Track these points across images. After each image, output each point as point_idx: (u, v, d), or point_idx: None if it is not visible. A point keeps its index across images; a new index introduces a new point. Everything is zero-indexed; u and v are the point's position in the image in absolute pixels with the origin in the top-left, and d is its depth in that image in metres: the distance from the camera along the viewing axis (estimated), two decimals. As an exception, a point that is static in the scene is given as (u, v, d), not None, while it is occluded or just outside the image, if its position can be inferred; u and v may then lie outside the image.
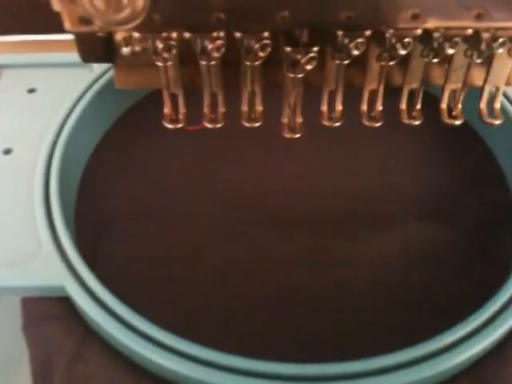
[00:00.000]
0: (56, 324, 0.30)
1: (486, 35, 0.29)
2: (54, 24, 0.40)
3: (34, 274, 0.30)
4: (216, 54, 0.30)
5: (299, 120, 0.34)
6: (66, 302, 0.30)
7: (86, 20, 0.26)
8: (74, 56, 0.38)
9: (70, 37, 0.33)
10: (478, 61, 0.32)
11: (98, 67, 0.40)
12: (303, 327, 0.33)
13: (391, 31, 0.28)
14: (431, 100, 0.36)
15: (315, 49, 0.29)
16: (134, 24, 0.25)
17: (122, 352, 0.29)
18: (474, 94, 0.34)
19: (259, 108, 0.35)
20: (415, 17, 0.27)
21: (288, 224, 0.37)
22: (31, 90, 0.40)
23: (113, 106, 0.41)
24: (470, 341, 0.28)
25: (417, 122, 0.35)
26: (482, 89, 0.34)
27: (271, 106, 0.34)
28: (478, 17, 0.27)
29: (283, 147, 0.40)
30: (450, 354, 0.28)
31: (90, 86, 0.39)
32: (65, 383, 0.29)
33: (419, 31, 0.28)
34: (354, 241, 0.36)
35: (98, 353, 0.29)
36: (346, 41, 0.29)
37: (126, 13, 0.24)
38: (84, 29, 0.27)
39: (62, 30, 0.41)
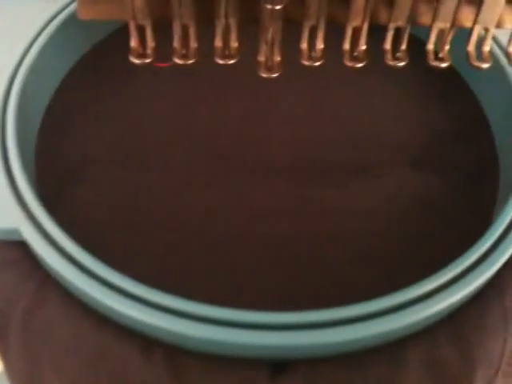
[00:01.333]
0: (11, 270, 0.28)
1: (480, -35, 0.26)
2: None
3: (-14, 216, 0.28)
4: (186, -21, 0.27)
5: (278, 58, 0.32)
6: (22, 247, 0.28)
7: None
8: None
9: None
10: (470, -5, 0.30)
11: (62, -3, 0.37)
12: (286, 277, 0.32)
13: (378, -43, 0.26)
14: (418, 45, 0.34)
15: (294, -25, 0.26)
16: None
17: (83, 299, 0.28)
18: (462, 39, 0.32)
19: (234, 44, 0.32)
20: None
21: (272, 172, 0.36)
22: (-12, 22, 0.37)
23: (79, 40, 0.39)
24: (447, 290, 0.27)
25: (401, 64, 0.33)
26: (471, 30, 0.32)
27: (255, 47, 0.32)
28: None
29: (266, 92, 0.38)
30: (426, 303, 0.27)
31: (53, 18, 0.36)
32: (23, 332, 0.28)
33: (408, -42, 0.26)
34: (339, 189, 0.35)
35: (58, 300, 0.28)
36: (329, -32, 0.27)
37: None
38: None
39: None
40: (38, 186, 0.33)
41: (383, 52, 0.33)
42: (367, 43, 0.32)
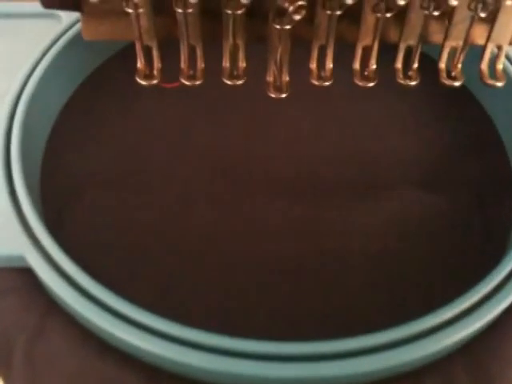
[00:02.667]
0: (15, 297, 0.27)
1: (494, -16, 0.26)
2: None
3: (-9, 243, 0.27)
4: (193, 0, 0.27)
5: (286, 78, 0.32)
6: (26, 274, 0.28)
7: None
8: (38, 6, 0.35)
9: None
10: (482, 15, 0.29)
11: (67, 18, 0.37)
12: (290, 300, 0.31)
13: (390, -24, 0.25)
14: (428, 62, 0.33)
15: (304, -5, 0.26)
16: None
17: (87, 328, 0.27)
18: (471, 56, 0.32)
19: (242, 64, 0.32)
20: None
21: (275, 192, 0.35)
22: (-7, 42, 0.37)
23: (83, 61, 0.38)
24: (465, 319, 0.26)
25: (413, 83, 0.32)
26: (484, 47, 0.32)
27: (258, 63, 0.31)
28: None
29: (270, 109, 0.37)
30: (444, 333, 0.26)
31: (58, 39, 0.36)
32: (26, 361, 0.27)
33: (421, -23, 0.25)
34: (344, 209, 0.34)
35: (62, 329, 0.27)
36: (339, -13, 0.26)
37: None
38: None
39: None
40: (43, 207, 0.33)
41: (394, 71, 0.32)
42: (377, 62, 0.32)
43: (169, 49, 0.32)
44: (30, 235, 0.28)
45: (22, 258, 0.27)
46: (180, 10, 0.28)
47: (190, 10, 0.28)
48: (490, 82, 0.32)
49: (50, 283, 0.26)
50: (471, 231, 0.33)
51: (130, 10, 0.28)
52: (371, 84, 0.32)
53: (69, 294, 0.26)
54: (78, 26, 0.36)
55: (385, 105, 0.38)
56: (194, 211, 0.34)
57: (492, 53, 0.32)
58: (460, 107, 0.38)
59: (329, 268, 0.32)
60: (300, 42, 0.31)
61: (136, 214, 0.34)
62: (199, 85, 0.32)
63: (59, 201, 0.33)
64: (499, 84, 0.32)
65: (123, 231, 0.33)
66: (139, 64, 0.31)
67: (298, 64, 0.31)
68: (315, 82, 0.32)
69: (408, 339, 0.25)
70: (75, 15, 0.36)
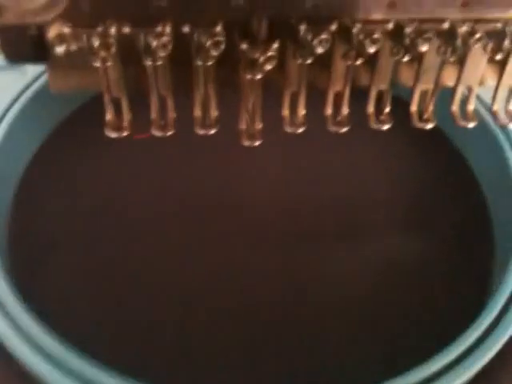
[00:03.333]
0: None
1: (463, 29, 0.26)
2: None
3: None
4: (162, 54, 0.26)
5: (259, 126, 0.31)
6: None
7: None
8: (2, 58, 0.34)
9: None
10: (452, 59, 0.29)
11: (32, 70, 0.36)
12: (276, 351, 0.30)
13: (359, 26, 0.25)
14: (402, 104, 0.33)
15: (275, 46, 0.25)
16: (53, 14, 0.21)
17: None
18: (444, 98, 0.32)
19: (214, 113, 0.31)
20: (392, 5, 0.24)
21: (254, 238, 0.34)
22: (-45, 97, 0.36)
23: (50, 113, 0.37)
24: (452, 370, 0.25)
25: (386, 127, 0.32)
26: (454, 89, 0.32)
27: (231, 107, 0.31)
28: (464, 4, 0.24)
29: (246, 155, 0.36)
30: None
31: (23, 92, 0.35)
32: None
33: (390, 26, 0.26)
34: (325, 255, 0.34)
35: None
36: (309, 37, 0.26)
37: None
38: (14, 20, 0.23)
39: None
40: (11, 266, 0.31)
41: (366, 116, 0.32)
42: (350, 106, 0.32)
43: (138, 99, 0.31)
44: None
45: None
46: (149, 63, 0.27)
47: (160, 63, 0.27)
48: (462, 123, 0.32)
49: (20, 353, 0.25)
50: (455, 273, 0.33)
51: (97, 64, 0.27)
52: (344, 129, 0.31)
53: (41, 365, 0.24)
54: (44, 78, 0.36)
55: (361, 148, 0.38)
56: (171, 262, 0.33)
57: (463, 94, 0.32)
58: (436, 150, 0.39)
59: (312, 316, 0.31)
60: (271, 89, 0.30)
61: (111, 268, 0.33)
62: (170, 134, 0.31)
63: (30, 257, 0.32)
64: (471, 125, 0.32)
65: (98, 287, 0.32)
66: (108, 116, 0.31)
67: (273, 107, 0.31)
68: (288, 129, 0.31)
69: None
70: (41, 68, 0.36)
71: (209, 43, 0.26)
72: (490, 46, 0.28)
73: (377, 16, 0.25)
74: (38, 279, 0.31)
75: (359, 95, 0.32)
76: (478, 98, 0.35)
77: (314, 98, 0.31)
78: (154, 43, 0.26)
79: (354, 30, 0.26)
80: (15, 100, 0.35)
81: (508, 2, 0.24)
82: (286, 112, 0.31)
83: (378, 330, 0.31)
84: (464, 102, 0.32)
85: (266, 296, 0.32)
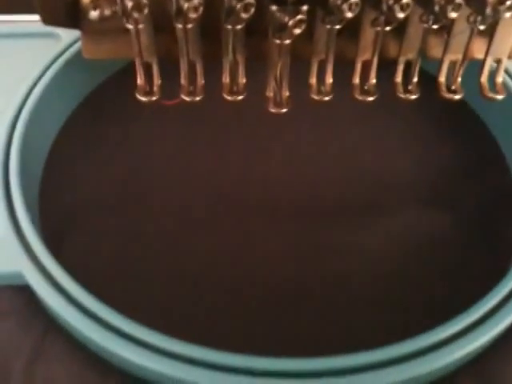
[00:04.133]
0: (13, 319, 0.27)
1: (492, -4, 0.26)
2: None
3: (-12, 260, 0.27)
4: (193, 15, 0.27)
5: (286, 93, 0.31)
6: (25, 292, 0.27)
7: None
8: (40, 25, 0.35)
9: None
10: (481, 27, 0.29)
11: (67, 37, 0.37)
12: (293, 320, 0.30)
13: (389, -11, 0.25)
14: (428, 80, 0.33)
15: (304, 8, 0.26)
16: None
17: (88, 348, 0.26)
18: (472, 73, 0.32)
19: (242, 80, 0.32)
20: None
21: (277, 213, 0.35)
22: (-10, 63, 0.37)
23: (82, 81, 0.38)
24: (470, 334, 0.26)
25: (413, 97, 0.32)
26: (483, 61, 0.32)
27: (258, 85, 0.31)
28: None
29: (271, 131, 0.37)
30: (449, 348, 0.25)
31: (57, 58, 0.36)
32: None
33: (419, -10, 0.25)
34: (347, 230, 0.34)
35: (62, 351, 0.26)
36: (339, 1, 0.26)
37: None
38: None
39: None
40: (41, 231, 0.32)
41: (394, 85, 0.32)
42: (377, 77, 0.32)
43: (168, 67, 0.32)
44: (28, 252, 0.27)
45: (20, 276, 0.26)
46: (180, 26, 0.28)
47: (190, 26, 0.28)
48: (490, 95, 0.32)
49: (49, 300, 0.26)
50: (474, 249, 0.33)
51: (130, 26, 0.28)
52: (371, 98, 0.32)
53: (68, 311, 0.25)
54: (77, 45, 0.36)
55: (385, 125, 0.38)
56: (194, 235, 0.34)
57: (491, 66, 0.32)
58: (462, 125, 0.38)
59: (331, 289, 0.32)
60: (299, 59, 0.31)
61: (136, 237, 0.33)
62: (199, 104, 0.32)
63: (58, 224, 0.33)
64: (499, 97, 0.32)
65: (123, 254, 0.33)
66: (139, 81, 0.31)
67: (297, 85, 0.31)
68: (315, 97, 0.32)
69: (413, 354, 0.25)
70: (75, 35, 0.36)
71: (239, 6, 0.26)
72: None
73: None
74: (67, 240, 0.32)
75: (385, 71, 0.32)
76: (507, 71, 0.35)
77: (340, 73, 0.31)
78: (186, 5, 0.26)
79: (384, -5, 0.26)
80: (48, 66, 0.36)
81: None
82: (313, 80, 0.32)
83: (398, 297, 0.31)
84: (493, 74, 0.32)
85: (286, 267, 0.32)
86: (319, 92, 0.32)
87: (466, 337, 0.25)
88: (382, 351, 0.24)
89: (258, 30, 0.29)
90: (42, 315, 0.27)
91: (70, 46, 0.37)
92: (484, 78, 0.32)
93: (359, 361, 0.25)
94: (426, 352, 0.25)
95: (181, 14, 0.27)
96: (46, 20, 0.29)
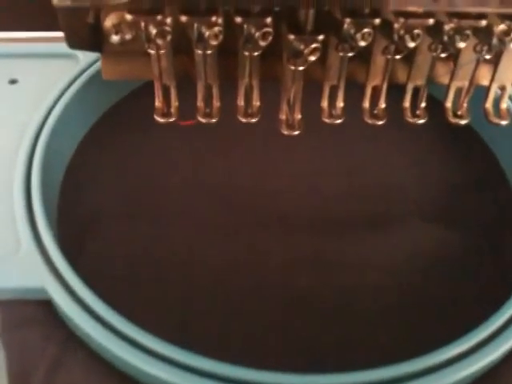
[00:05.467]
0: (35, 329, 0.28)
1: (500, 28, 0.27)
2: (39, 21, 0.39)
3: (12, 275, 0.28)
4: (214, 42, 0.28)
5: (298, 116, 0.33)
6: (46, 306, 0.28)
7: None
8: (58, 46, 0.36)
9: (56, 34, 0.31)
10: (488, 56, 0.30)
11: (84, 58, 0.38)
12: (304, 334, 0.31)
13: (401, 21, 0.27)
14: (435, 104, 0.34)
15: (320, 37, 0.27)
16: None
17: (107, 359, 0.27)
18: (476, 98, 0.33)
19: (256, 103, 0.33)
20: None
21: (288, 225, 0.36)
22: (13, 81, 0.38)
23: (99, 99, 0.39)
24: (480, 351, 0.26)
25: (421, 121, 0.33)
26: (488, 88, 0.33)
27: (270, 100, 0.32)
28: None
29: (282, 145, 0.38)
30: (460, 365, 0.26)
31: (76, 78, 0.37)
32: None
33: (431, 21, 0.27)
34: (355, 243, 0.35)
35: (81, 360, 0.27)
36: (353, 31, 0.27)
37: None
38: (71, 3, 0.25)
39: (46, 28, 0.40)
40: (60, 241, 0.33)
41: (402, 109, 0.33)
42: (386, 102, 0.33)
43: (184, 87, 0.33)
44: (50, 267, 0.28)
45: (42, 290, 0.27)
46: (200, 51, 0.29)
47: (209, 52, 0.29)
48: (495, 120, 0.33)
49: (71, 314, 0.27)
50: (479, 263, 0.34)
51: (152, 52, 0.29)
52: (380, 122, 0.33)
53: (89, 325, 0.26)
54: (95, 66, 0.38)
55: (394, 144, 0.39)
56: (207, 244, 0.34)
57: (496, 93, 0.33)
58: (467, 147, 0.40)
59: (340, 302, 0.32)
60: (312, 81, 0.32)
61: (151, 245, 0.34)
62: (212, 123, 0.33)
63: (76, 233, 0.34)
64: (503, 122, 0.33)
65: (138, 262, 0.33)
66: (157, 102, 0.33)
67: (310, 102, 0.32)
68: (327, 120, 0.33)
69: (423, 372, 0.26)
70: (92, 56, 0.38)
71: (258, 34, 0.27)
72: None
73: (418, 7, 0.26)
74: (85, 248, 0.33)
75: (393, 93, 0.33)
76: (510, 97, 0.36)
77: (349, 93, 0.33)
78: (207, 33, 0.27)
79: (396, 25, 0.27)
80: (68, 86, 0.37)
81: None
82: (324, 104, 0.33)
83: (407, 312, 0.32)
84: (498, 100, 0.33)
85: (296, 279, 0.33)
86: (330, 115, 0.33)
87: (476, 353, 0.26)
88: (391, 369, 0.25)
89: (273, 54, 0.30)
90: (62, 327, 0.28)
91: (88, 67, 0.38)
92: (489, 104, 0.33)
93: (368, 378, 0.25)
94: (436, 369, 0.26)
95: (202, 40, 0.28)
96: (71, 44, 0.31)
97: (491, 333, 0.27)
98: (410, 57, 0.31)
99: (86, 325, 0.26)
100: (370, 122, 0.33)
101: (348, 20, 0.26)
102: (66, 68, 0.38)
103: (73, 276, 0.27)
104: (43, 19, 0.34)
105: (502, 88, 0.33)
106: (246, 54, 0.29)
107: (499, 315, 0.27)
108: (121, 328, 0.26)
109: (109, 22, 0.31)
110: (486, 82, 0.33)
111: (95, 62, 0.38)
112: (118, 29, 0.30)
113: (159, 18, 0.27)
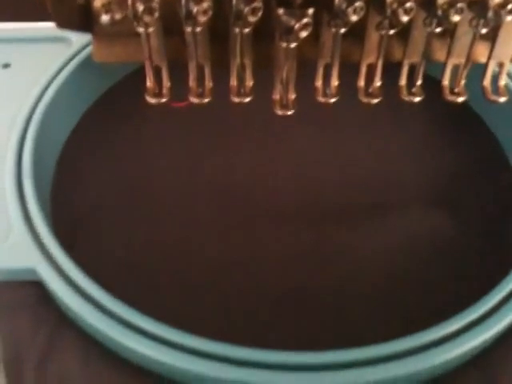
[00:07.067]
0: (26, 314, 0.27)
1: (495, 1, 0.27)
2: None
3: (2, 256, 0.27)
4: (203, 18, 0.27)
5: (292, 96, 0.32)
6: (37, 288, 0.28)
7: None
8: (52, 30, 0.36)
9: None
10: (484, 31, 0.30)
11: (78, 42, 0.38)
12: (305, 320, 0.31)
13: (393, -7, 0.26)
14: (432, 83, 0.34)
15: (310, 12, 0.26)
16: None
17: (100, 342, 0.27)
18: (475, 76, 0.32)
19: (249, 83, 0.32)
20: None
21: (286, 217, 0.35)
22: (5, 65, 0.38)
23: (92, 84, 0.39)
24: (473, 330, 0.26)
25: (417, 99, 0.33)
26: (486, 64, 0.32)
27: (265, 93, 0.32)
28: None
29: (278, 136, 0.38)
30: (450, 344, 0.26)
31: (68, 62, 0.37)
32: (38, 381, 0.27)
33: (423, -6, 0.26)
34: (353, 231, 0.34)
35: (73, 345, 0.27)
36: (344, 5, 0.27)
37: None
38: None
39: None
40: (54, 229, 0.33)
41: (398, 88, 0.33)
42: (382, 80, 0.32)
43: (177, 70, 0.32)
44: (41, 248, 0.28)
45: (33, 271, 0.27)
46: (189, 29, 0.28)
47: (199, 29, 0.29)
48: (493, 97, 0.32)
49: (62, 295, 0.26)
50: (477, 249, 0.33)
51: (140, 30, 0.29)
52: (376, 100, 0.32)
53: (80, 305, 0.26)
54: (88, 49, 0.37)
55: (391, 129, 0.39)
56: (203, 237, 0.34)
57: (495, 70, 0.33)
58: (468, 130, 0.39)
59: (340, 288, 0.32)
60: (305, 61, 0.31)
61: (146, 236, 0.34)
62: (208, 108, 0.32)
63: (70, 222, 0.34)
64: (502, 99, 0.32)
65: (134, 252, 0.33)
66: (149, 83, 0.32)
67: (306, 92, 0.32)
68: (321, 99, 0.32)
69: (419, 348, 0.25)
70: (85, 39, 0.37)
71: (247, 9, 0.27)
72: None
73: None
74: (79, 237, 0.33)
75: (389, 77, 0.32)
76: (510, 75, 0.35)
77: (347, 81, 0.32)
78: (195, 9, 0.27)
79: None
80: (60, 70, 0.36)
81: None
82: (319, 83, 0.32)
83: (406, 295, 0.31)
84: (495, 78, 0.33)
85: (296, 269, 0.33)
86: (325, 94, 0.32)
87: (467, 333, 0.26)
88: (384, 346, 0.25)
89: (265, 35, 0.30)
90: (53, 310, 0.28)
91: (81, 50, 0.37)
92: (487, 82, 0.33)
93: (363, 354, 0.25)
94: (427, 348, 0.25)
95: (190, 17, 0.27)
96: (60, 23, 0.30)
97: (484, 312, 0.26)
98: (405, 33, 0.31)
99: (76, 305, 0.26)
100: (365, 100, 0.32)
101: (338, -7, 0.26)
102: (59, 51, 0.38)
103: (63, 257, 0.27)
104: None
105: (501, 65, 0.32)
106: (237, 31, 0.29)
107: (491, 296, 0.27)
108: (113, 309, 0.26)
109: (98, 2, 0.30)
110: (483, 59, 0.32)
111: (88, 45, 0.37)
112: (107, 8, 0.30)
113: (145, -6, 0.26)
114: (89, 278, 0.27)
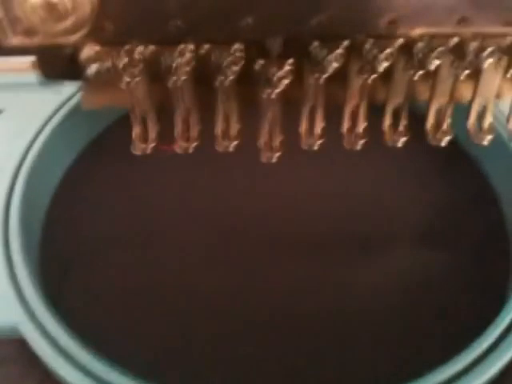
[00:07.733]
0: (10, 368, 0.27)
1: (472, 45, 0.27)
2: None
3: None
4: (186, 69, 0.28)
5: (278, 140, 0.32)
6: (21, 344, 0.27)
7: (29, 31, 0.24)
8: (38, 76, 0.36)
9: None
10: (465, 73, 0.30)
11: (67, 89, 0.38)
12: (297, 361, 0.31)
13: (371, 41, 0.26)
14: (420, 118, 0.34)
15: (290, 61, 0.27)
16: (80, 34, 0.23)
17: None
18: (461, 112, 0.32)
19: (234, 130, 0.32)
20: (392, 22, 0.25)
21: (277, 249, 0.35)
22: None
23: (83, 130, 0.39)
24: (471, 371, 0.26)
25: (402, 140, 0.32)
26: (470, 105, 0.32)
27: (256, 125, 0.32)
28: (461, 21, 0.25)
29: (267, 169, 0.37)
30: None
31: (57, 110, 0.37)
32: None
33: (401, 41, 0.26)
34: (343, 266, 0.34)
35: None
36: (324, 53, 0.27)
37: (70, 21, 0.22)
38: (27, 41, 0.24)
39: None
40: (40, 277, 0.33)
41: (382, 133, 0.33)
42: (367, 121, 0.32)
43: (164, 116, 0.32)
44: (24, 306, 0.28)
45: (16, 329, 0.27)
46: (173, 80, 0.29)
47: (184, 78, 0.29)
48: (478, 140, 0.32)
49: (44, 355, 0.26)
50: (469, 283, 0.33)
51: (127, 79, 0.29)
52: (360, 144, 0.32)
53: (64, 367, 0.26)
54: (78, 97, 0.38)
55: (381, 163, 0.39)
56: (197, 272, 0.34)
57: (479, 109, 0.32)
58: (455, 165, 0.39)
59: (333, 326, 0.32)
60: (290, 103, 0.31)
61: (137, 277, 0.34)
62: (197, 147, 0.32)
63: (58, 270, 0.34)
64: (487, 139, 0.32)
65: (124, 297, 0.33)
66: (136, 131, 0.32)
67: (293, 123, 0.32)
68: (307, 143, 0.32)
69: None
70: (75, 87, 0.38)
71: (228, 60, 0.27)
72: (504, 61, 0.29)
73: (378, 32, 0.25)
74: (67, 286, 0.33)
75: (377, 112, 0.32)
76: (497, 112, 0.36)
77: (330, 113, 0.32)
78: (178, 60, 0.27)
79: (367, 46, 0.27)
80: (50, 118, 0.37)
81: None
82: (303, 127, 0.33)
83: (392, 339, 0.31)
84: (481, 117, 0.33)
85: (287, 300, 0.33)
86: (310, 138, 0.32)
87: (468, 374, 0.26)
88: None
89: (248, 80, 0.30)
90: (38, 367, 0.27)
91: (70, 98, 0.38)
92: (472, 122, 0.32)
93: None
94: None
95: (172, 69, 0.28)
96: (46, 74, 0.31)
97: (485, 350, 0.26)
98: (387, 76, 0.31)
99: (60, 367, 0.26)
100: (348, 147, 0.32)
101: (316, 44, 0.26)
102: (48, 99, 0.38)
103: (48, 315, 0.27)
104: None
105: (485, 104, 0.32)
106: (219, 81, 0.29)
107: (490, 331, 0.26)
108: (102, 374, 0.25)
109: (85, 52, 0.31)
110: (467, 99, 0.32)
111: (78, 92, 0.38)
112: (94, 59, 0.30)
113: (127, 47, 0.27)
114: (75, 340, 0.26)
